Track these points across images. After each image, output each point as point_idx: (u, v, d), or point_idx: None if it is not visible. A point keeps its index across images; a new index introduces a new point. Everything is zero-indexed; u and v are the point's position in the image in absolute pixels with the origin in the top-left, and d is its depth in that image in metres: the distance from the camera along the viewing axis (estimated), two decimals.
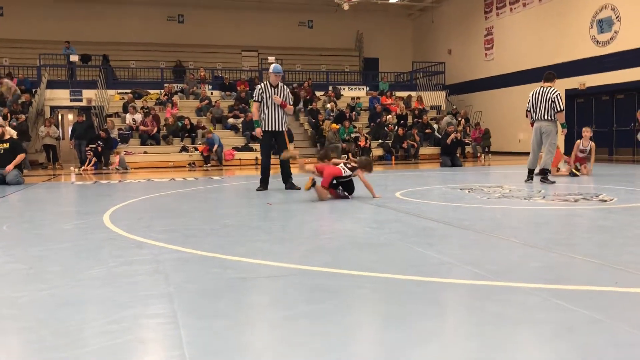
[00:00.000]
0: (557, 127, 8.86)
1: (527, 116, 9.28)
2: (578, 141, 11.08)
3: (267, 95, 8.38)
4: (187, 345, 2.13)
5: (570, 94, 19.09)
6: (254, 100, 8.54)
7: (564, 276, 3.11)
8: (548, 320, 2.37)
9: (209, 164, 16.52)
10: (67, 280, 3.19)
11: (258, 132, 8.49)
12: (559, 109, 8.73)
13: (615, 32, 17.13)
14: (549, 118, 8.78)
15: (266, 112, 8.40)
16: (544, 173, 8.88)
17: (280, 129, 8.50)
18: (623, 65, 16.79)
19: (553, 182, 8.74)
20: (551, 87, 8.92)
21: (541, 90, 8.90)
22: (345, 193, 7.07)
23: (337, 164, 7.06)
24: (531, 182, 8.84)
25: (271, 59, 24.05)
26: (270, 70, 8.52)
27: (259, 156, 17.29)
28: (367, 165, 7.18)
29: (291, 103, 8.69)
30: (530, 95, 9.08)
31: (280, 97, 8.40)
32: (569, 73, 18.84)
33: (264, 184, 8.46)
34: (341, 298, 2.74)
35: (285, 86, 8.68)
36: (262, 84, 8.55)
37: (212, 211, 6.43)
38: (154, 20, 25.58)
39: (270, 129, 8.45)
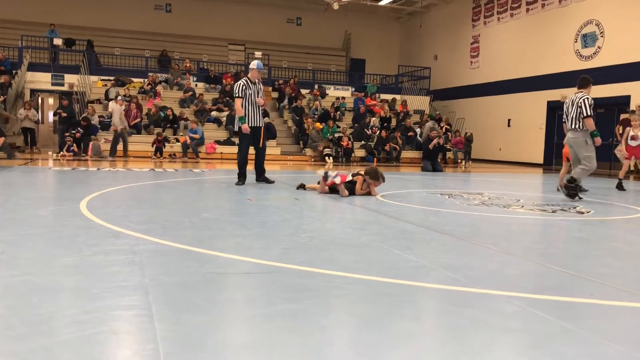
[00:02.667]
0: (587, 137, 7.82)
1: (563, 128, 8.44)
2: (628, 129, 10.49)
3: (253, 93, 8.41)
4: (161, 339, 2.10)
5: (553, 106, 19.34)
6: (237, 97, 8.50)
7: (541, 285, 3.13)
8: (523, 328, 2.38)
9: (186, 156, 16.40)
10: (40, 268, 3.12)
11: (245, 128, 8.47)
12: (585, 114, 7.71)
13: (599, 47, 17.39)
14: (577, 127, 7.84)
15: (250, 108, 8.45)
16: (572, 182, 7.80)
17: (260, 125, 8.64)
18: (605, 80, 17.04)
19: (580, 198, 7.84)
20: (582, 93, 7.92)
21: (573, 97, 8.00)
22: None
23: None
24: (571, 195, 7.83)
25: (258, 54, 23.94)
26: (254, 66, 8.53)
27: None
28: (373, 174, 7.43)
29: (262, 96, 8.76)
30: (564, 104, 8.21)
31: (258, 94, 8.52)
32: (552, 85, 19.10)
33: (242, 178, 8.47)
34: (319, 298, 2.73)
35: (260, 82, 8.74)
36: (244, 80, 8.53)
37: (191, 204, 6.37)
38: (141, 8, 25.30)
39: (253, 125, 8.50)
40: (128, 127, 16.33)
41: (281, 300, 2.65)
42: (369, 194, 7.42)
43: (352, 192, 7.29)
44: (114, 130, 15.57)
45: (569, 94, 19.41)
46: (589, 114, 7.69)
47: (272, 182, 8.51)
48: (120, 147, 15.62)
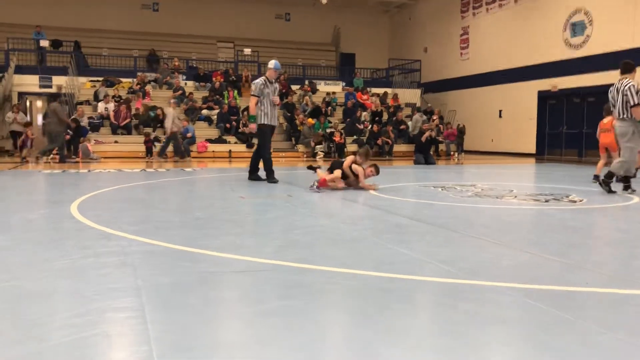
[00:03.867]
0: (636, 126, 7.27)
1: (611, 117, 8.00)
2: None
3: (268, 91, 8.51)
4: (154, 340, 2.08)
5: (543, 96, 19.38)
6: (254, 95, 8.57)
7: (536, 276, 3.13)
8: (519, 319, 2.37)
9: (177, 155, 16.33)
10: (30, 272, 3.09)
11: (253, 127, 8.68)
12: (632, 102, 7.12)
13: (588, 36, 17.43)
14: (624, 116, 7.26)
15: (268, 106, 8.53)
16: (609, 177, 7.36)
17: (276, 124, 8.84)
18: (594, 68, 17.09)
19: (614, 192, 7.33)
20: (627, 79, 7.32)
21: (617, 84, 7.40)
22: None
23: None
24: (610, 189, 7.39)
25: (247, 50, 23.87)
26: (271, 66, 8.63)
27: (233, 149, 17.32)
28: (364, 152, 7.73)
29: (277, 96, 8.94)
30: (609, 92, 7.59)
31: (275, 93, 8.64)
32: (541, 75, 19.12)
33: (272, 176, 8.49)
34: (313, 294, 2.71)
35: (276, 82, 8.87)
36: (262, 79, 8.63)
37: (183, 203, 6.33)
38: (128, 8, 25.11)
39: (272, 123, 8.63)
40: (182, 129, 16.34)
41: (275, 298, 2.63)
42: (361, 188, 7.44)
43: (344, 177, 7.53)
44: (167, 134, 15.70)
45: (560, 83, 19.48)
46: (636, 102, 7.11)
47: (264, 179, 8.49)
48: (170, 148, 15.76)
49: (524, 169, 13.60)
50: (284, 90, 21.08)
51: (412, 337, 2.18)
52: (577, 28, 17.84)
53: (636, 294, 2.78)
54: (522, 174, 11.63)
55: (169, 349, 2.01)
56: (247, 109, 18.58)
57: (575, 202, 6.46)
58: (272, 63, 8.64)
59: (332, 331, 2.30)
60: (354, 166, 7.53)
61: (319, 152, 17.65)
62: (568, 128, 18.99)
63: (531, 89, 19.71)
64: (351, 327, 2.32)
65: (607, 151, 9.20)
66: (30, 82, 19.78)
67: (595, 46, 17.14)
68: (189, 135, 16.65)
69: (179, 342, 2.07)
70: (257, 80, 8.71)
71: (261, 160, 8.69)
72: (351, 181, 7.57)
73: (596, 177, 8.74)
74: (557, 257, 3.51)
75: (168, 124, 15.54)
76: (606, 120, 9.23)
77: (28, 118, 18.98)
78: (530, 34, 19.61)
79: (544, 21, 19.05)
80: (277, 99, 8.63)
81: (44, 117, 15.41)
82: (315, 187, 7.28)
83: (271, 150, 8.81)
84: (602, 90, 17.08)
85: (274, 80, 8.68)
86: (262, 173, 8.60)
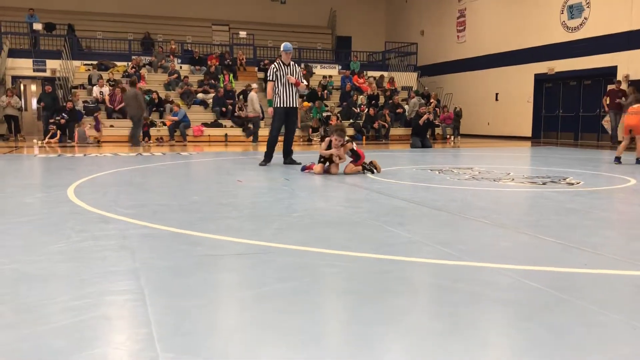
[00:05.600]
0: None
1: None
2: None
3: (282, 74, 8.52)
4: (154, 323, 2.07)
5: (539, 79, 19.33)
6: (269, 80, 8.66)
7: (534, 257, 3.14)
8: (518, 300, 2.38)
9: (173, 139, 16.27)
10: (29, 255, 3.07)
11: (270, 111, 8.67)
12: None
13: (585, 18, 17.33)
14: None
15: (282, 89, 8.54)
16: None
17: (294, 106, 8.71)
18: (591, 51, 17.03)
19: None
20: None
21: None
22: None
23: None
24: None
25: (242, 34, 23.67)
26: (281, 48, 8.65)
27: (229, 132, 17.26)
28: (341, 131, 7.45)
29: (303, 81, 8.92)
30: None
31: (293, 75, 8.58)
32: (538, 57, 19.05)
33: (268, 158, 8.57)
34: (313, 276, 2.71)
35: (296, 64, 8.84)
36: (276, 63, 8.67)
37: (180, 187, 6.31)
38: None
39: (285, 106, 8.58)
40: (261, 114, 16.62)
41: (274, 280, 2.62)
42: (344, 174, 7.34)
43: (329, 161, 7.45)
44: (249, 117, 16.23)
45: (556, 66, 19.42)
46: None
47: (299, 163, 8.49)
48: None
49: (520, 151, 13.60)
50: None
51: (411, 318, 2.18)
52: (574, 10, 17.74)
53: (634, 275, 2.78)
54: (519, 157, 11.63)
55: (169, 331, 2.01)
56: (242, 92, 18.56)
57: (572, 184, 6.47)
58: (282, 45, 8.70)
59: (331, 314, 2.31)
60: (334, 150, 7.33)
61: (314, 139, 17.61)
62: (564, 111, 18.98)
63: (528, 72, 19.64)
64: (351, 310, 2.32)
65: (631, 132, 9.19)
66: (24, 66, 19.59)
67: (592, 29, 17.07)
68: (175, 118, 16.50)
69: (179, 325, 2.07)
70: (273, 64, 8.79)
71: (291, 143, 8.88)
72: (334, 165, 7.42)
73: (617, 159, 8.88)
74: (556, 238, 3.52)
75: (257, 107, 16.04)
76: (636, 105, 9.26)
77: (22, 102, 18.85)
78: (527, 17, 19.50)
79: (540, 4, 18.93)
80: (292, 79, 8.54)
81: (125, 102, 15.64)
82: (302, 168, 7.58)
83: (279, 133, 8.78)
84: (599, 73, 17.08)
85: (290, 62, 8.64)
86: (295, 157, 8.74)
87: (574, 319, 2.15)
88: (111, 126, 16.64)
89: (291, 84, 8.54)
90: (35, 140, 15.76)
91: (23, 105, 19.44)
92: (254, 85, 16.66)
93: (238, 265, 2.98)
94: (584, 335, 2.01)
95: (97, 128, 16.05)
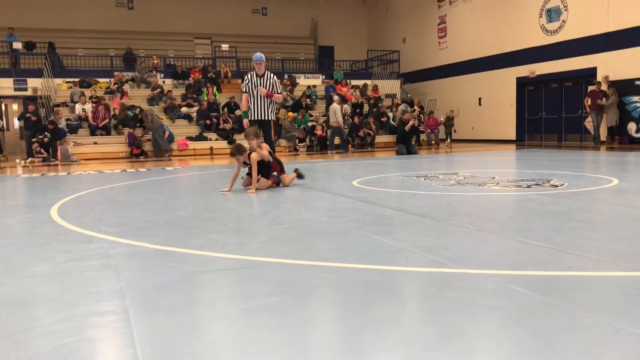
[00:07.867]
0: None
1: None
2: None
3: (253, 85, 8.49)
4: (139, 343, 2.05)
5: (521, 82, 19.53)
6: (243, 92, 8.66)
7: (519, 262, 3.15)
8: (505, 306, 2.38)
9: (158, 155, 16.19)
10: (11, 278, 3.03)
11: (245, 122, 8.60)
12: None
13: (563, 21, 17.57)
14: None
15: (252, 101, 8.52)
16: None
17: (267, 118, 8.59)
18: (571, 53, 17.26)
19: None
20: None
21: None
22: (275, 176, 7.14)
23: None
24: None
25: (224, 46, 23.69)
26: (253, 59, 8.59)
27: (214, 146, 17.21)
28: (254, 134, 6.86)
29: (279, 91, 8.80)
30: None
31: (266, 86, 8.49)
32: (520, 61, 19.27)
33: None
34: (300, 289, 2.70)
35: (272, 74, 8.76)
36: (249, 75, 8.63)
37: (165, 202, 6.27)
38: (103, 6, 24.75)
39: (256, 118, 8.53)
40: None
41: (260, 295, 2.61)
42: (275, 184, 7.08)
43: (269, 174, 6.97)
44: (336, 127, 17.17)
45: (537, 69, 19.64)
46: None
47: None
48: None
49: (505, 155, 13.70)
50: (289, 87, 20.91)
51: (398, 327, 2.18)
52: (552, 14, 17.98)
53: (619, 276, 2.80)
54: (504, 161, 11.72)
55: (155, 351, 1.98)
56: (226, 105, 18.54)
57: (556, 186, 6.52)
58: (253, 56, 8.66)
59: (319, 326, 2.29)
60: (253, 155, 6.74)
61: (300, 149, 17.63)
62: (547, 113, 19.17)
63: (510, 75, 19.84)
64: (338, 321, 2.31)
65: None
66: (4, 86, 19.42)
67: (571, 31, 17.30)
68: (166, 134, 16.44)
69: (164, 344, 2.05)
70: (245, 76, 8.78)
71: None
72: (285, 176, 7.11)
73: None
74: (541, 242, 3.54)
75: (340, 118, 17.30)
76: None
77: (4, 122, 18.69)
78: (507, 21, 19.72)
79: (519, 8, 19.17)
80: (263, 90, 8.47)
81: (143, 122, 16.69)
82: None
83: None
84: (580, 75, 17.29)
85: (265, 73, 8.57)
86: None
87: (560, 323, 2.16)
88: (95, 143, 16.53)
89: (262, 95, 8.48)
90: (18, 160, 15.61)
91: (5, 125, 19.25)
92: (336, 97, 17.57)
93: (223, 280, 2.96)
94: (570, 339, 2.01)
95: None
